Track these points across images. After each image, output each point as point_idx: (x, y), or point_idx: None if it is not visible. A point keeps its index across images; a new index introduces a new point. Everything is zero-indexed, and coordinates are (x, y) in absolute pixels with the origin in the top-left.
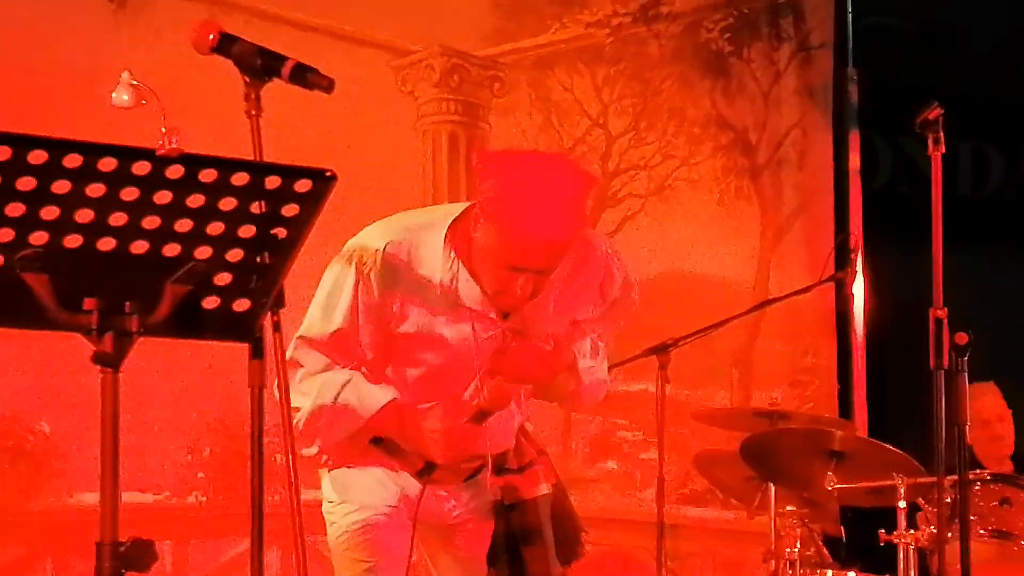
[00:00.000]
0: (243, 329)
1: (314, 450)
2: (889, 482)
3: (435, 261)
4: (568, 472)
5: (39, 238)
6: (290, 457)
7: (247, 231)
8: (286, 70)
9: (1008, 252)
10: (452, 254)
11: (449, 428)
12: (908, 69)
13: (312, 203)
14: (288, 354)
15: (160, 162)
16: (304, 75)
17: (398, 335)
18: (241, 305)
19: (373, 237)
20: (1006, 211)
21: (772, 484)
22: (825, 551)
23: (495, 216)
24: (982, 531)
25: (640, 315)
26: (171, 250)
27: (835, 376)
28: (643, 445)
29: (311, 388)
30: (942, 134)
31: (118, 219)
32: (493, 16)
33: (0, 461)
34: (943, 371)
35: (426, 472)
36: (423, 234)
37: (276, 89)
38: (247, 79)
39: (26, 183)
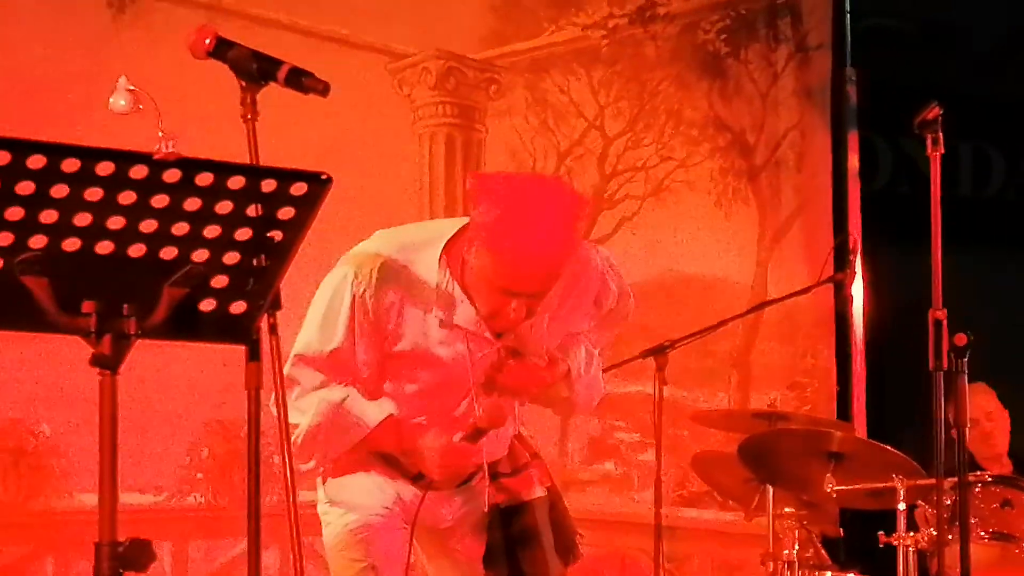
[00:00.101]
0: (240, 331)
1: (311, 465)
2: (889, 484)
3: (430, 282)
4: (566, 473)
5: (38, 242)
6: (286, 458)
7: (243, 234)
8: (282, 74)
9: (1009, 253)
10: (447, 274)
11: (445, 446)
12: (909, 69)
13: (308, 206)
14: (285, 371)
15: (157, 166)
16: (299, 79)
17: (393, 353)
18: (238, 307)
19: (368, 256)
20: (1007, 212)
21: (770, 486)
22: (824, 553)
23: (488, 242)
24: (983, 533)
25: (638, 317)
26: (168, 253)
27: (834, 377)
28: (641, 447)
29: (308, 406)
30: (941, 135)
31: (116, 223)
32: (489, 19)
33: (1, 462)
34: (942, 372)
35: (422, 478)
36: (418, 254)
37: (272, 93)
38: (243, 83)
39: (25, 187)
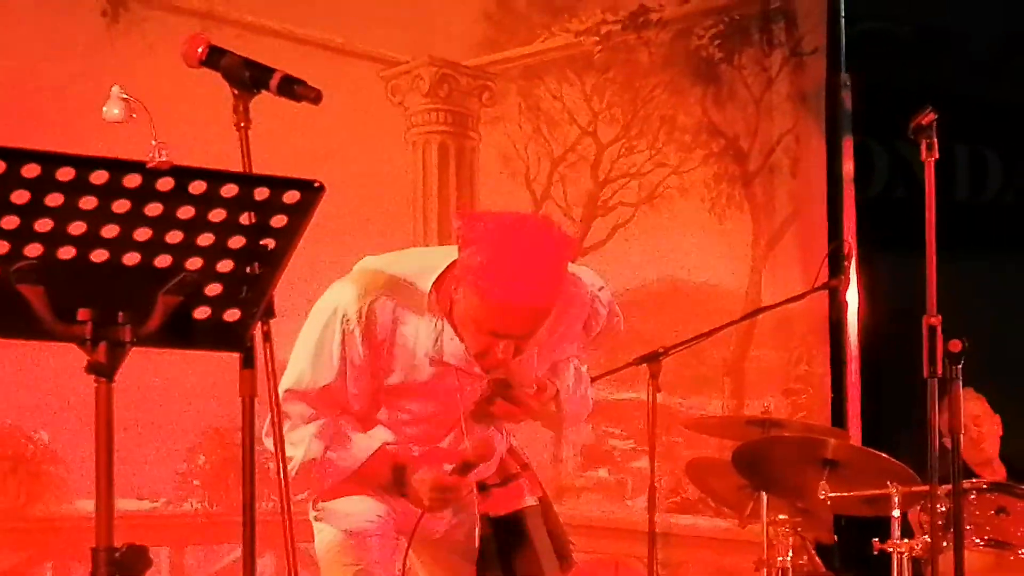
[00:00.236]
0: (234, 339)
1: (304, 496)
2: (883, 491)
3: (419, 318)
4: (560, 480)
5: (33, 250)
6: (280, 465)
7: (237, 242)
8: (274, 82)
9: (1006, 258)
10: (436, 312)
11: (435, 480)
12: (905, 74)
13: (300, 214)
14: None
15: (151, 175)
16: (292, 87)
17: (384, 386)
18: (232, 315)
19: (356, 294)
20: (1004, 217)
21: (764, 493)
22: (818, 560)
23: (475, 285)
24: (978, 540)
25: (631, 323)
26: (162, 261)
27: (828, 384)
28: (635, 454)
29: (301, 439)
30: (935, 140)
31: (110, 231)
32: (482, 26)
33: (0, 468)
34: (937, 379)
35: None
36: (407, 291)
37: (265, 101)
38: (236, 91)
39: (20, 196)
